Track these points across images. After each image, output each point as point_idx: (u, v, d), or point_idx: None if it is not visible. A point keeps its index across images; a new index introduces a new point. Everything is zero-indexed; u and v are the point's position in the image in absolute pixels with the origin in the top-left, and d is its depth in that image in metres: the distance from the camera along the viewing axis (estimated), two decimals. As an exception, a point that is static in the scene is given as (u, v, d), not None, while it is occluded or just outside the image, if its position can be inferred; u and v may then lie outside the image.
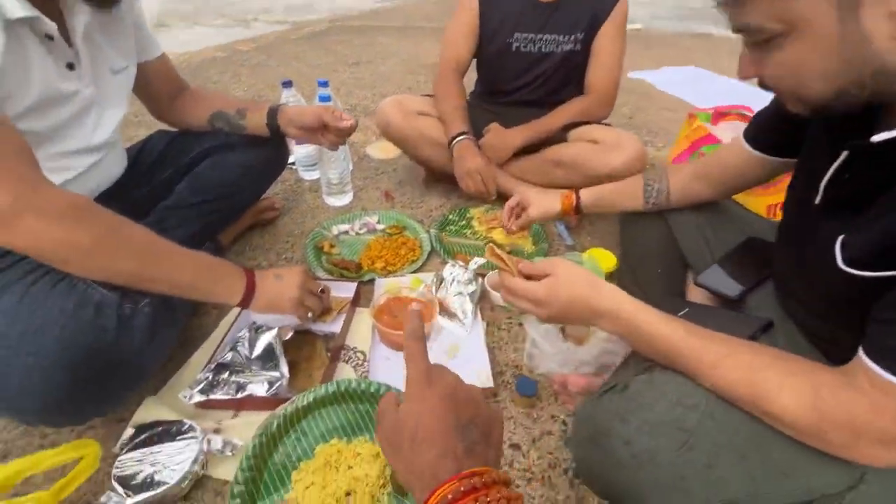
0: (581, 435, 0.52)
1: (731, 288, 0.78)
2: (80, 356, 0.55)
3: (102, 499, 0.58)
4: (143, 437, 0.65)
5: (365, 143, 1.75)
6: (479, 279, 0.97)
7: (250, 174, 1.03)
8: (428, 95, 1.35)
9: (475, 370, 0.82)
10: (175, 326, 0.73)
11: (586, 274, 0.59)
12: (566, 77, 1.28)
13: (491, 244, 0.64)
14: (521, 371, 0.84)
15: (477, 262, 0.98)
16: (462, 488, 0.33)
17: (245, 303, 0.73)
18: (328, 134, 0.97)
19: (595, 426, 0.50)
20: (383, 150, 1.68)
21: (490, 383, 0.78)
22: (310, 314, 0.81)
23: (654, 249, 0.95)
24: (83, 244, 0.55)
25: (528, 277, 0.61)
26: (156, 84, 0.94)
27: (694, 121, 1.19)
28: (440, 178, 1.44)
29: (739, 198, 0.96)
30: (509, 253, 0.64)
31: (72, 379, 0.55)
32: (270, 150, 1.07)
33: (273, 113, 0.97)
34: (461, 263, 0.97)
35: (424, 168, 1.43)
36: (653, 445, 0.46)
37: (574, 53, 1.24)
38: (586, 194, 0.99)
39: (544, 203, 1.00)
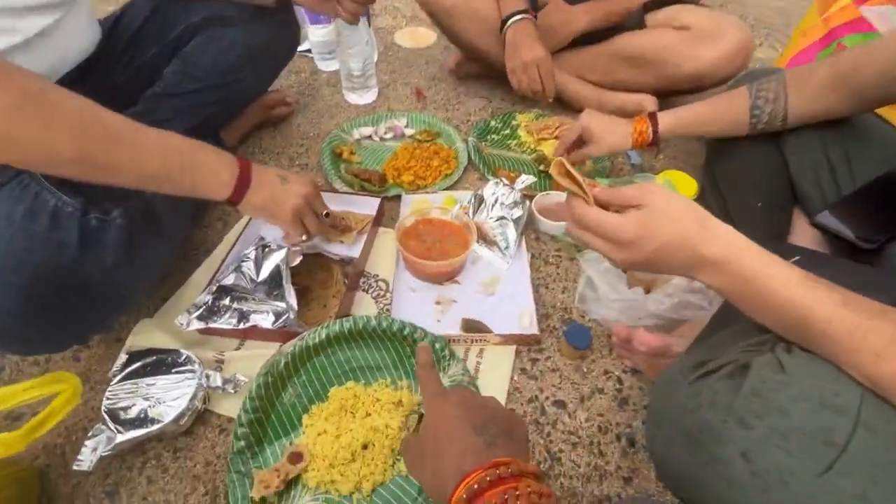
0: (667, 428, 0.40)
1: (864, 233, 0.60)
2: (32, 276, 0.45)
3: (93, 432, 0.52)
4: (135, 366, 0.57)
5: (393, 28, 1.47)
6: (527, 202, 0.80)
7: (253, 57, 0.84)
8: None
9: (517, 311, 0.70)
10: (163, 239, 0.61)
11: (691, 207, 0.42)
12: None
13: (561, 159, 0.46)
14: (571, 315, 0.71)
15: (525, 180, 0.80)
16: (488, 478, 0.32)
17: (236, 197, 0.58)
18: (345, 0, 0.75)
19: (694, 422, 0.37)
20: (414, 38, 1.41)
21: (534, 329, 0.66)
22: (303, 237, 0.67)
23: (753, 175, 0.75)
24: None
25: (606, 208, 0.45)
26: None
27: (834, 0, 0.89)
28: (477, 72, 1.20)
29: (884, 112, 0.72)
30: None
31: (25, 302, 0.45)
32: (277, 25, 0.86)
33: None
34: (505, 181, 0.80)
35: (461, 52, 1.17)
36: (786, 464, 0.32)
37: None
38: (667, 120, 0.76)
39: (610, 139, 0.80)
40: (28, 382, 0.46)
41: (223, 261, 0.71)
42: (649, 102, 0.99)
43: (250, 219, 0.78)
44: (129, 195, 0.57)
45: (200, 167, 0.55)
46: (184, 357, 0.58)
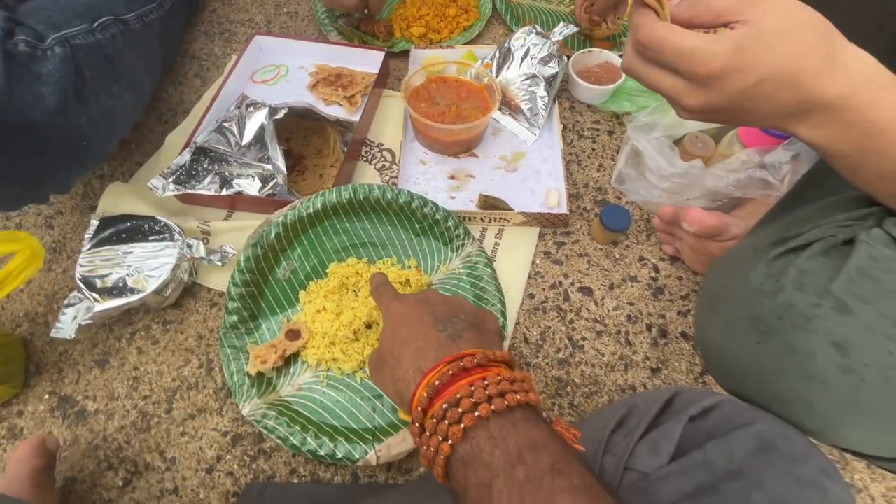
0: (729, 313, 0.32)
1: None
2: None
3: (69, 299, 0.47)
4: (108, 232, 0.50)
5: None
6: (564, 59, 0.65)
7: None
8: None
9: (543, 189, 0.60)
10: (122, 86, 0.51)
11: (818, 23, 0.30)
12: None
13: None
14: (606, 196, 0.61)
15: (563, 30, 0.65)
16: (450, 371, 0.27)
17: None
18: None
19: (771, 307, 0.29)
20: None
21: (563, 208, 0.57)
22: None
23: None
24: None
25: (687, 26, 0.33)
26: None
27: None
28: None
29: None
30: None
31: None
32: None
33: None
34: (538, 29, 0.64)
35: None
36: (894, 358, 0.25)
37: None
38: None
39: None
40: (-26, 240, 0.40)
41: (201, 119, 0.60)
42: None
43: (230, 74, 0.65)
44: (67, 21, 0.46)
45: None
46: (161, 224, 0.51)
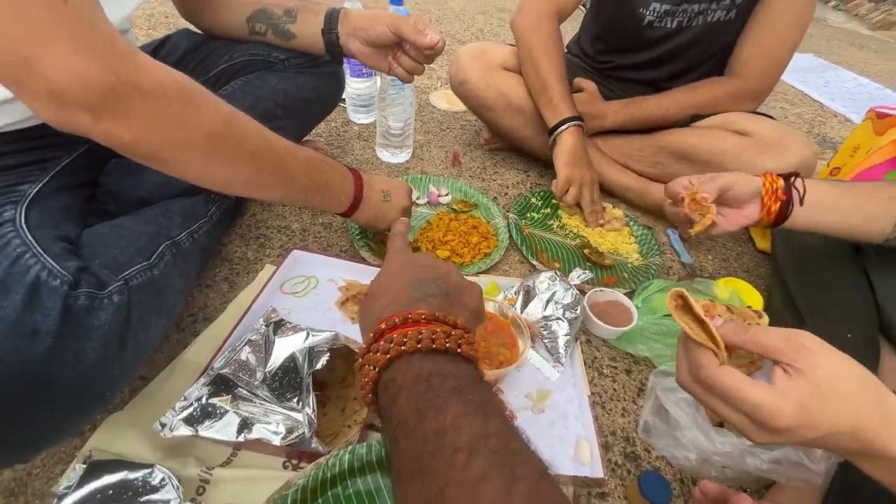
0: None
1: None
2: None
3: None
4: (93, 486, 0.43)
5: (428, 88, 1.45)
6: (583, 300, 0.70)
7: (293, 107, 0.77)
8: (512, 45, 1.04)
9: (572, 437, 0.58)
10: (162, 315, 0.49)
11: (867, 382, 0.34)
12: (704, 53, 0.95)
13: (682, 290, 0.37)
14: (635, 448, 0.59)
15: (581, 275, 0.71)
16: (397, 320, 0.32)
17: (346, 215, 0.64)
18: (402, 56, 0.69)
19: None
20: (449, 101, 1.38)
21: (598, 469, 0.54)
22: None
23: (840, 297, 0.67)
24: (194, 139, 0.41)
25: (732, 349, 0.38)
26: None
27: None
28: (510, 147, 1.16)
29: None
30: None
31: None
32: (323, 77, 0.81)
33: (333, 18, 0.69)
34: (559, 274, 0.71)
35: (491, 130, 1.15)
36: None
37: (722, 24, 0.90)
38: (816, 195, 0.60)
39: (741, 216, 0.64)
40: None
41: (227, 338, 0.58)
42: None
43: (266, 285, 0.67)
44: (130, 260, 0.47)
45: (330, 188, 0.58)
46: (159, 479, 0.44)
